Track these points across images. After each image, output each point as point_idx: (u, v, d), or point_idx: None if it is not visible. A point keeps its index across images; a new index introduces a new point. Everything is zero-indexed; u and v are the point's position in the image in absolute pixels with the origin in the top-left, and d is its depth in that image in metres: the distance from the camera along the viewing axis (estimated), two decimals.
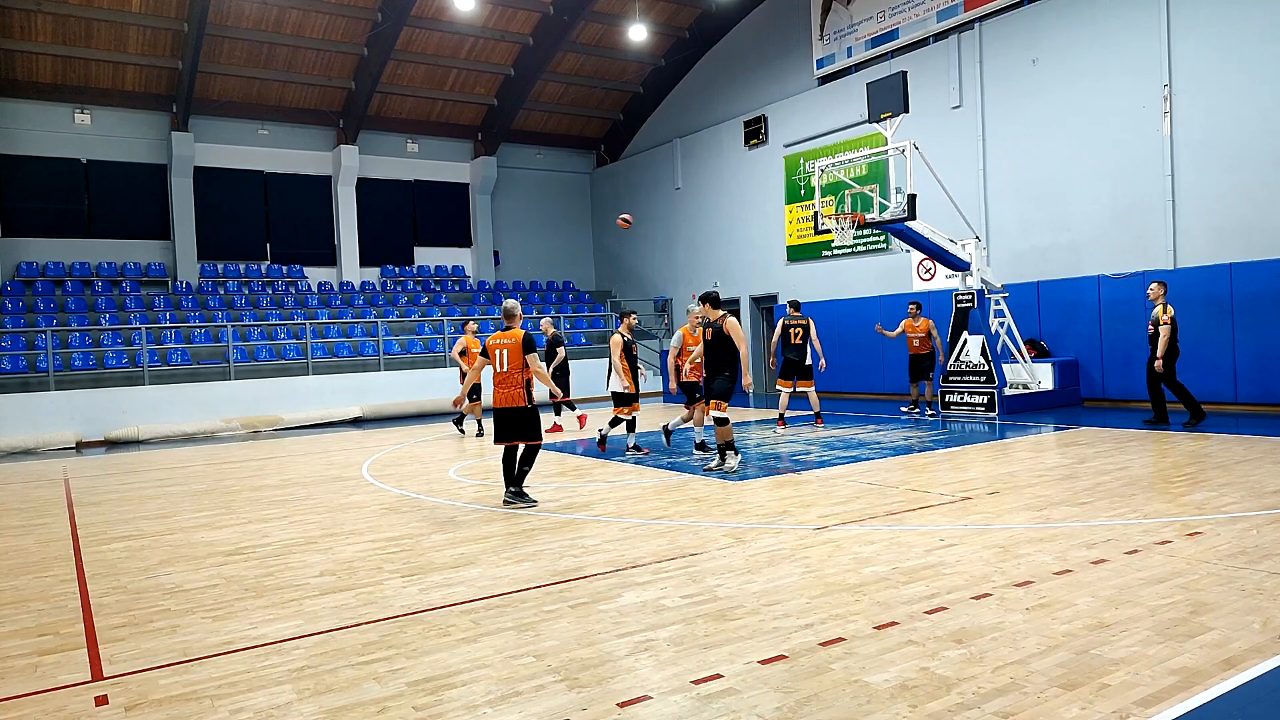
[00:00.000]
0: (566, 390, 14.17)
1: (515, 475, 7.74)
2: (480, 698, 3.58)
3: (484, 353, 7.77)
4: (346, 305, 22.87)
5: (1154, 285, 11.58)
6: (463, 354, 14.27)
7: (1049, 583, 4.77)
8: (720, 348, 8.99)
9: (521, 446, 7.73)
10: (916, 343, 13.66)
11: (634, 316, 11.46)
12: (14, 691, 3.89)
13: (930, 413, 13.95)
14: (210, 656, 4.23)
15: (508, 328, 7.74)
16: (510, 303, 7.87)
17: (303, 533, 7.15)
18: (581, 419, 14.76)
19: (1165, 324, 11.18)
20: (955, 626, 4.14)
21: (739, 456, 9.35)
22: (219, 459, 12.96)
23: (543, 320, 14.32)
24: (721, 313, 9.05)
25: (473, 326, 14.55)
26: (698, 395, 10.56)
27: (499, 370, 7.57)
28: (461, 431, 14.58)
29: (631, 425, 11.03)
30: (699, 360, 9.97)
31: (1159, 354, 11.23)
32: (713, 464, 9.18)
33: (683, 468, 9.61)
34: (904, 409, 14.41)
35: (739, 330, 8.91)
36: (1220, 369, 13.10)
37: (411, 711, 3.47)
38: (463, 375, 14.41)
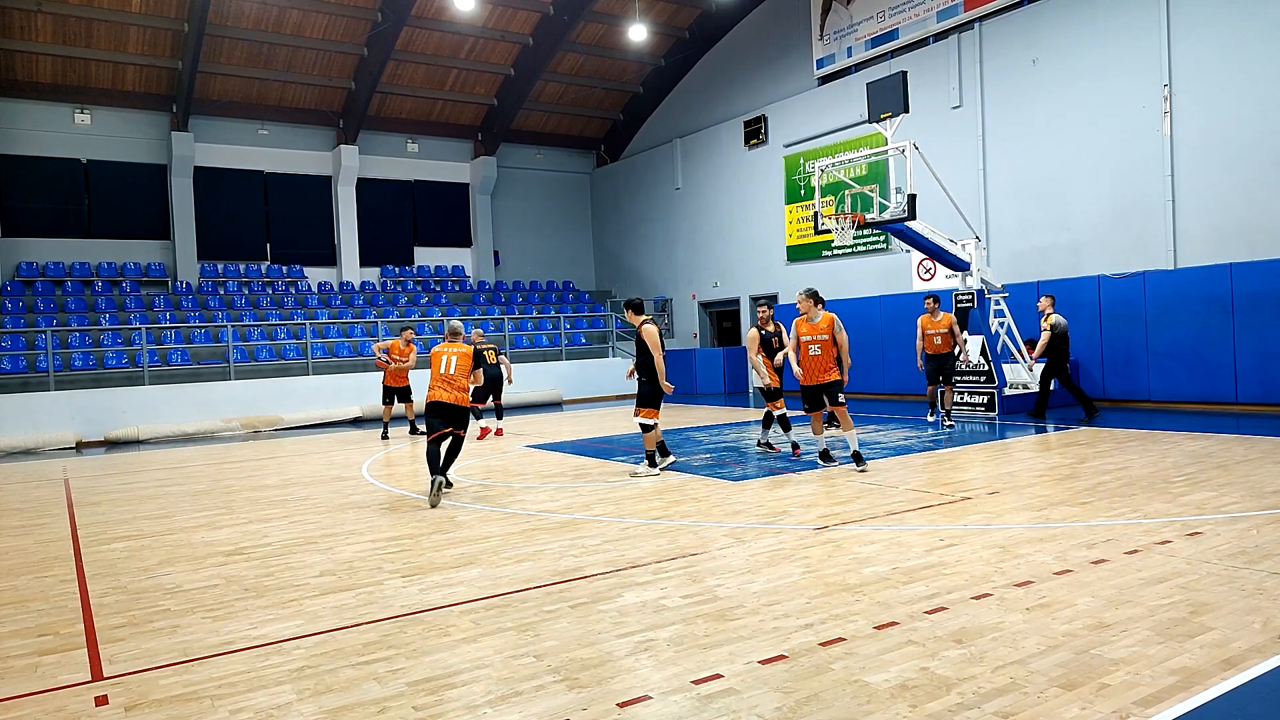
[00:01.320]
0: (498, 395, 14.28)
1: (443, 465, 8.49)
2: (480, 698, 3.58)
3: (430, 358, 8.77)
4: (346, 305, 22.85)
5: (1043, 299, 12.83)
6: (385, 352, 14.63)
7: (1049, 583, 4.77)
8: (641, 353, 9.26)
9: (451, 438, 8.64)
10: (938, 340, 12.31)
11: (769, 307, 10.51)
12: (14, 691, 3.89)
13: (948, 422, 12.34)
14: (210, 656, 4.23)
15: (452, 341, 8.95)
16: (455, 322, 9.17)
17: (303, 533, 7.15)
18: (484, 432, 14.20)
19: (1044, 331, 12.53)
20: (955, 626, 4.14)
21: (670, 458, 9.51)
22: (219, 459, 12.96)
23: (474, 331, 14.49)
24: (641, 319, 9.23)
25: (408, 335, 14.58)
26: (817, 402, 9.56)
27: (445, 372, 8.59)
28: (415, 433, 14.67)
29: (768, 421, 10.48)
30: (819, 354, 9.21)
31: (1034, 355, 12.80)
32: (640, 469, 9.34)
33: (682, 468, 9.61)
34: (930, 418, 12.77)
35: (653, 337, 9.10)
36: (1220, 369, 13.10)
37: (411, 711, 3.47)
38: (388, 375, 14.65)
